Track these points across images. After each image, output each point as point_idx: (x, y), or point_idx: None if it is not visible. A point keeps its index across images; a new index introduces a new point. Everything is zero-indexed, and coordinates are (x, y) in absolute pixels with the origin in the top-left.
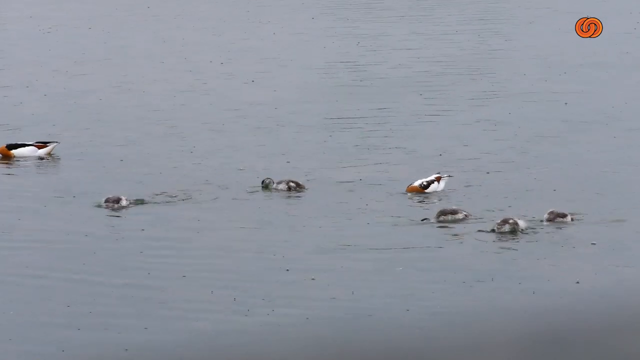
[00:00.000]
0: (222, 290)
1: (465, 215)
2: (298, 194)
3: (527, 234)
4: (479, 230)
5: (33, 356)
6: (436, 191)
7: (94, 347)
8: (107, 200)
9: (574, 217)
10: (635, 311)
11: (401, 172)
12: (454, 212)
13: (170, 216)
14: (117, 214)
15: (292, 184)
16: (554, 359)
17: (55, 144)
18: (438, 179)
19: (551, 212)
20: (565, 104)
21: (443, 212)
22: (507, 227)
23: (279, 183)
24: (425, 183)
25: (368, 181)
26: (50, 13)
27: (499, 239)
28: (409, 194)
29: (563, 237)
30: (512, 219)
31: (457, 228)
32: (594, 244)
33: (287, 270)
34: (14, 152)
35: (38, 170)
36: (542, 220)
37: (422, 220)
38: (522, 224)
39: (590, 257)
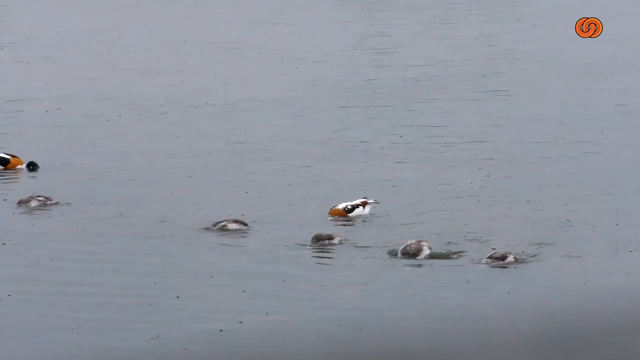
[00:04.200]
0: (230, 290)
1: (340, 241)
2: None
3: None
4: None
5: (45, 357)
6: (360, 215)
7: (102, 346)
8: None
9: (517, 256)
10: None
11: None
12: (330, 237)
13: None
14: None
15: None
16: (563, 358)
17: None
18: (364, 204)
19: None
20: None
21: (318, 237)
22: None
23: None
24: (349, 207)
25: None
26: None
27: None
28: (330, 217)
29: (572, 236)
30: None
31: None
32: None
33: (295, 266)
34: None
35: None
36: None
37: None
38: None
39: (600, 256)
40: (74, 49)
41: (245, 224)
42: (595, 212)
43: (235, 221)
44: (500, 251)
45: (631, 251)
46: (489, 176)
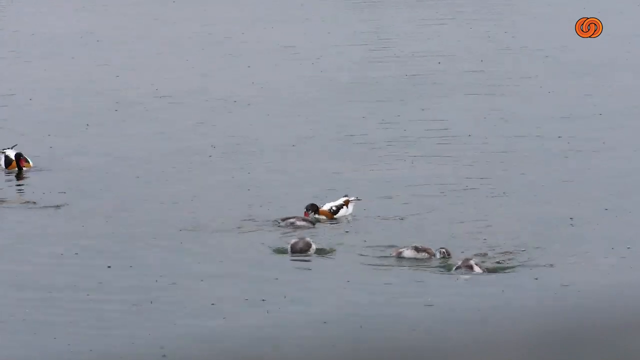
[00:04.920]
0: (230, 290)
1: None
2: None
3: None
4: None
5: (63, 355)
6: (345, 215)
7: (102, 345)
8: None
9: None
10: None
11: None
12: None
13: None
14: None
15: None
16: (564, 358)
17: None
18: (346, 203)
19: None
20: None
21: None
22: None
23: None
24: (334, 208)
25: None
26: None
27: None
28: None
29: (573, 235)
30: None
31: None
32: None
33: (296, 266)
34: None
35: None
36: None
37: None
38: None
39: (600, 256)
40: (73, 48)
41: (313, 223)
42: (597, 211)
43: (304, 219)
44: (467, 262)
45: (629, 248)
46: (490, 174)
